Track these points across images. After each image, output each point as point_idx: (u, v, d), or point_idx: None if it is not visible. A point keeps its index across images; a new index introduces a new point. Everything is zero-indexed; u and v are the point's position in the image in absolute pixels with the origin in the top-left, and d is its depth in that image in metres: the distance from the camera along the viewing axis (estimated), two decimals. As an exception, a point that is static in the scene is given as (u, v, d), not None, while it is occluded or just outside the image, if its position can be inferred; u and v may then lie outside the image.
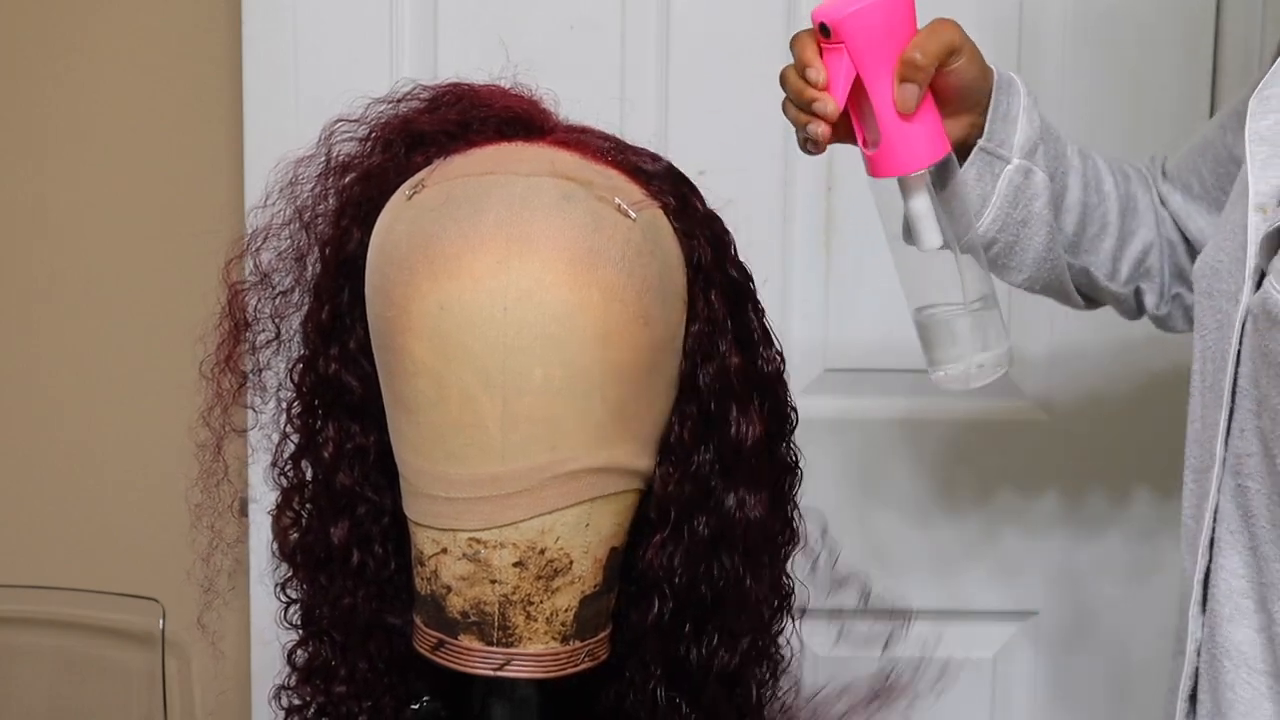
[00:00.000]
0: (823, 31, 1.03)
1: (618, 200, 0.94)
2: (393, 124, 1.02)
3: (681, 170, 1.01)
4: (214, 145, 1.68)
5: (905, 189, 1.06)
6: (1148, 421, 1.65)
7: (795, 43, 1.06)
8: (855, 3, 1.03)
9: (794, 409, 1.03)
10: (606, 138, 1.00)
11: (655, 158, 1.00)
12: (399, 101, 1.04)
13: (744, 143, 1.64)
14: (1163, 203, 1.26)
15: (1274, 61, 1.04)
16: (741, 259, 1.01)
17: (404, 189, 0.97)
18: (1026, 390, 1.66)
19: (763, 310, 1.02)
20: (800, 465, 1.04)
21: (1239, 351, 0.99)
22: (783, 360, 1.02)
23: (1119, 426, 1.67)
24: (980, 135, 1.12)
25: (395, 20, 1.63)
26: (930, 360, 1.09)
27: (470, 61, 1.63)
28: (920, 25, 1.06)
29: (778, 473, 1.01)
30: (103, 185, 1.70)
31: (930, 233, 1.06)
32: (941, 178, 1.07)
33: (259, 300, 1.06)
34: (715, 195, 1.03)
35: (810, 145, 1.07)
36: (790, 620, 1.05)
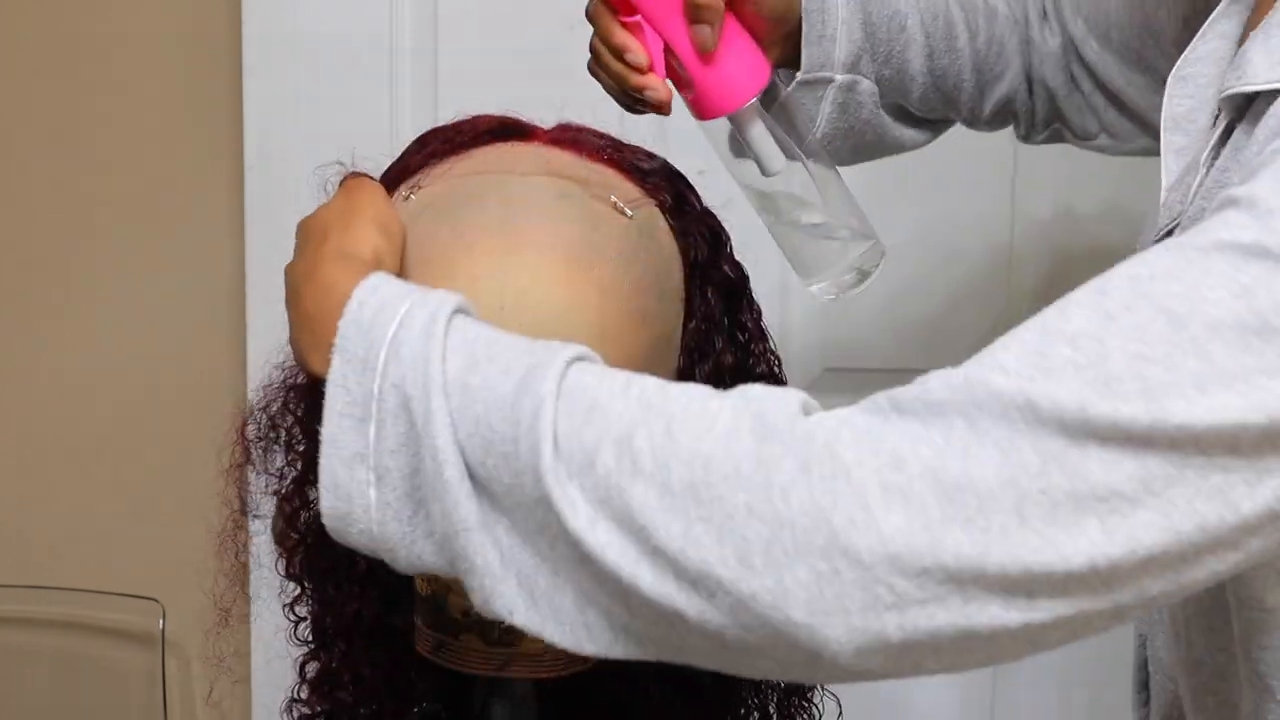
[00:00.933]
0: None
1: (614, 198, 0.94)
2: (390, 175, 1.01)
3: (677, 168, 1.01)
4: (214, 145, 1.68)
5: (735, 123, 1.02)
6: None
7: (596, 19, 1.01)
8: None
9: None
10: (602, 136, 1.00)
11: (651, 155, 1.00)
12: None
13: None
14: (1071, 42, 1.18)
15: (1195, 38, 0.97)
16: (737, 257, 1.01)
17: (401, 190, 0.97)
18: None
19: (758, 308, 1.02)
20: None
21: None
22: (778, 359, 1.02)
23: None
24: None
25: (395, 21, 1.63)
26: (802, 275, 1.06)
27: (470, 62, 1.63)
28: None
29: None
30: (103, 185, 1.70)
31: (772, 157, 1.02)
32: (769, 95, 1.02)
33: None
34: (715, 195, 1.03)
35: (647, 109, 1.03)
36: None
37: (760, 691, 1.05)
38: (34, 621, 1.74)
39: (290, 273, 0.86)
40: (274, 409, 1.05)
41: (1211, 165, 0.86)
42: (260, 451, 1.05)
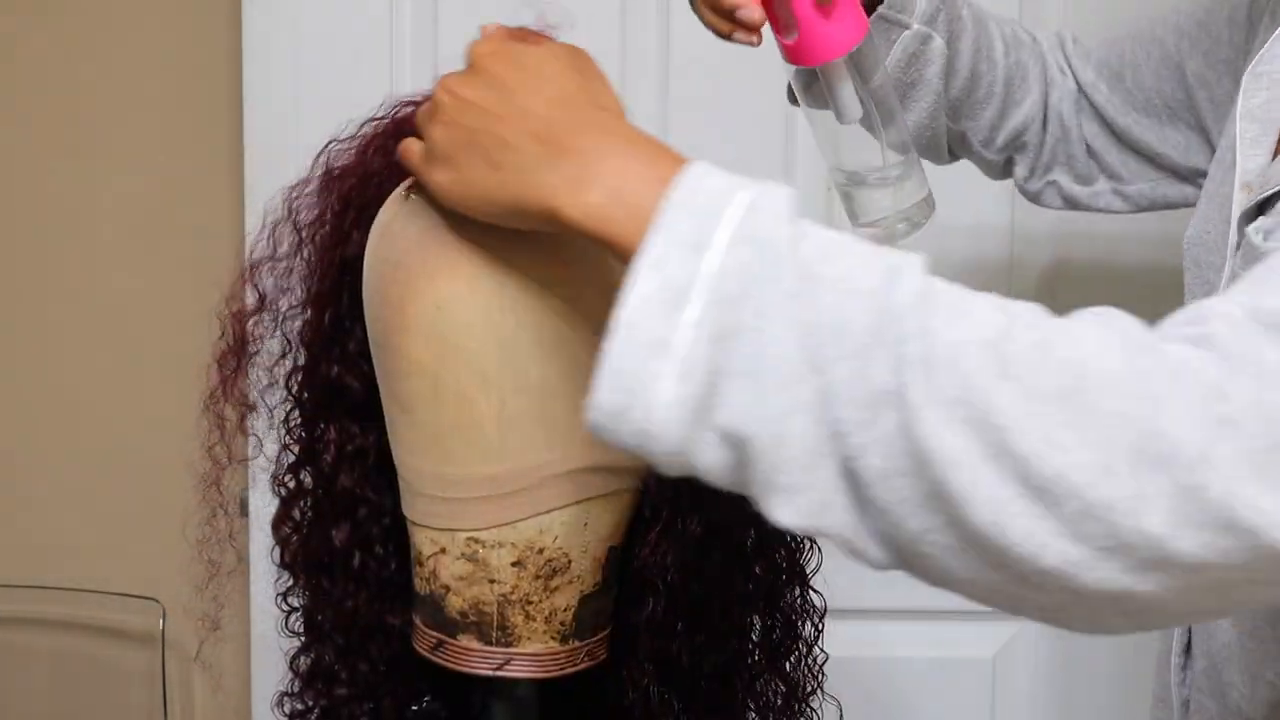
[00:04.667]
0: None
1: (613, 198, 0.94)
2: (388, 130, 1.02)
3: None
4: (214, 145, 1.68)
5: (825, 72, 1.03)
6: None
7: None
8: None
9: None
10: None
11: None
12: (390, 115, 1.04)
13: (744, 141, 1.64)
14: (1079, 87, 1.24)
15: (1268, 36, 1.04)
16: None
17: (400, 188, 0.97)
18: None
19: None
20: None
21: None
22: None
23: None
24: None
25: (395, 19, 1.63)
26: (852, 218, 1.08)
27: (470, 61, 1.64)
28: None
29: None
30: (103, 186, 1.71)
31: (850, 105, 1.03)
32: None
33: (259, 323, 1.06)
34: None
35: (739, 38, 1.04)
36: (804, 643, 1.05)
37: (760, 695, 1.05)
38: (34, 621, 1.74)
39: (539, 90, 0.81)
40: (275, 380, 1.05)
41: None
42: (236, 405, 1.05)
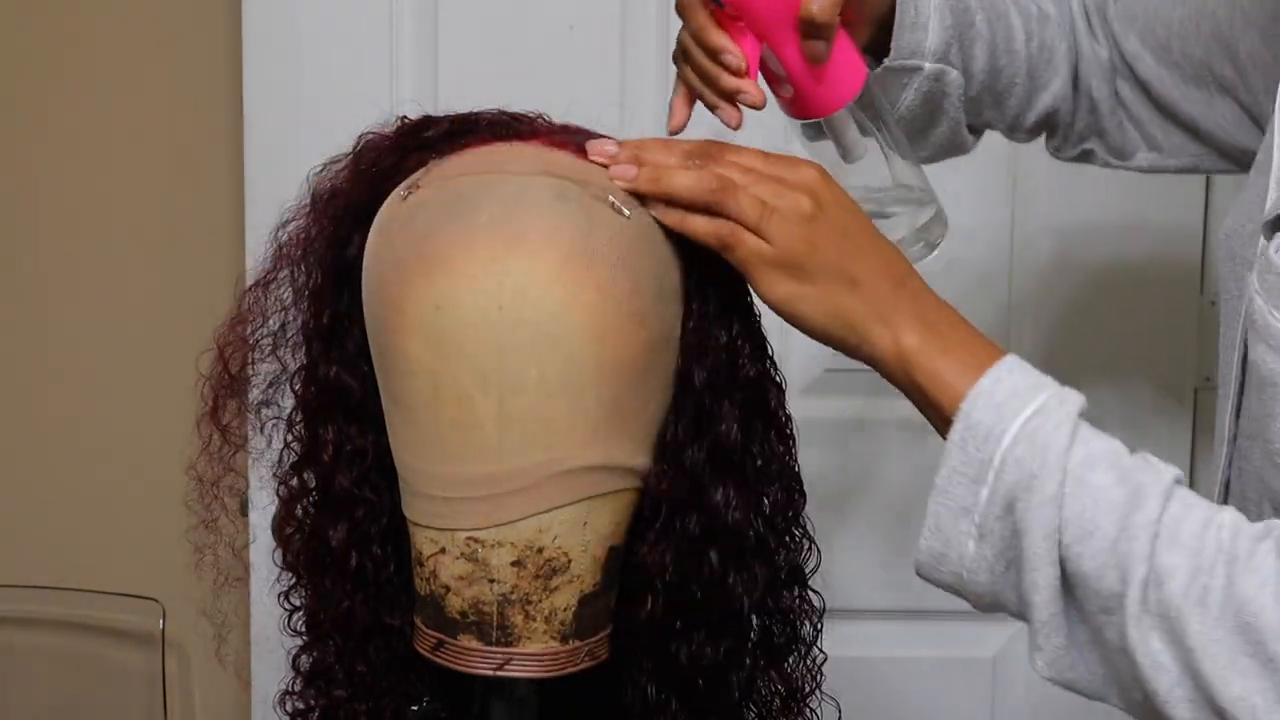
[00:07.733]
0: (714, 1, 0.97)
1: (612, 198, 0.94)
2: (384, 135, 1.01)
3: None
4: (214, 146, 1.68)
5: (828, 121, 1.02)
6: (1148, 423, 1.65)
7: (689, 16, 0.99)
8: None
9: (788, 414, 1.02)
10: (601, 137, 1.00)
11: (650, 157, 1.00)
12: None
13: (744, 143, 1.64)
14: (1122, 56, 1.18)
15: None
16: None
17: (399, 190, 0.97)
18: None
19: (757, 310, 1.02)
20: (799, 474, 1.03)
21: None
22: (773, 362, 1.02)
23: (1118, 428, 1.66)
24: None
25: (395, 20, 1.63)
26: None
27: (470, 61, 1.64)
28: None
29: (770, 477, 1.01)
30: (103, 186, 1.71)
31: (855, 145, 1.03)
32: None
33: (257, 343, 1.05)
34: (714, 195, 1.03)
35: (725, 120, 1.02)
36: (803, 643, 1.05)
37: (759, 695, 1.05)
38: (34, 621, 1.74)
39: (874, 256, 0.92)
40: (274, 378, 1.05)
41: None
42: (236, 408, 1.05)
